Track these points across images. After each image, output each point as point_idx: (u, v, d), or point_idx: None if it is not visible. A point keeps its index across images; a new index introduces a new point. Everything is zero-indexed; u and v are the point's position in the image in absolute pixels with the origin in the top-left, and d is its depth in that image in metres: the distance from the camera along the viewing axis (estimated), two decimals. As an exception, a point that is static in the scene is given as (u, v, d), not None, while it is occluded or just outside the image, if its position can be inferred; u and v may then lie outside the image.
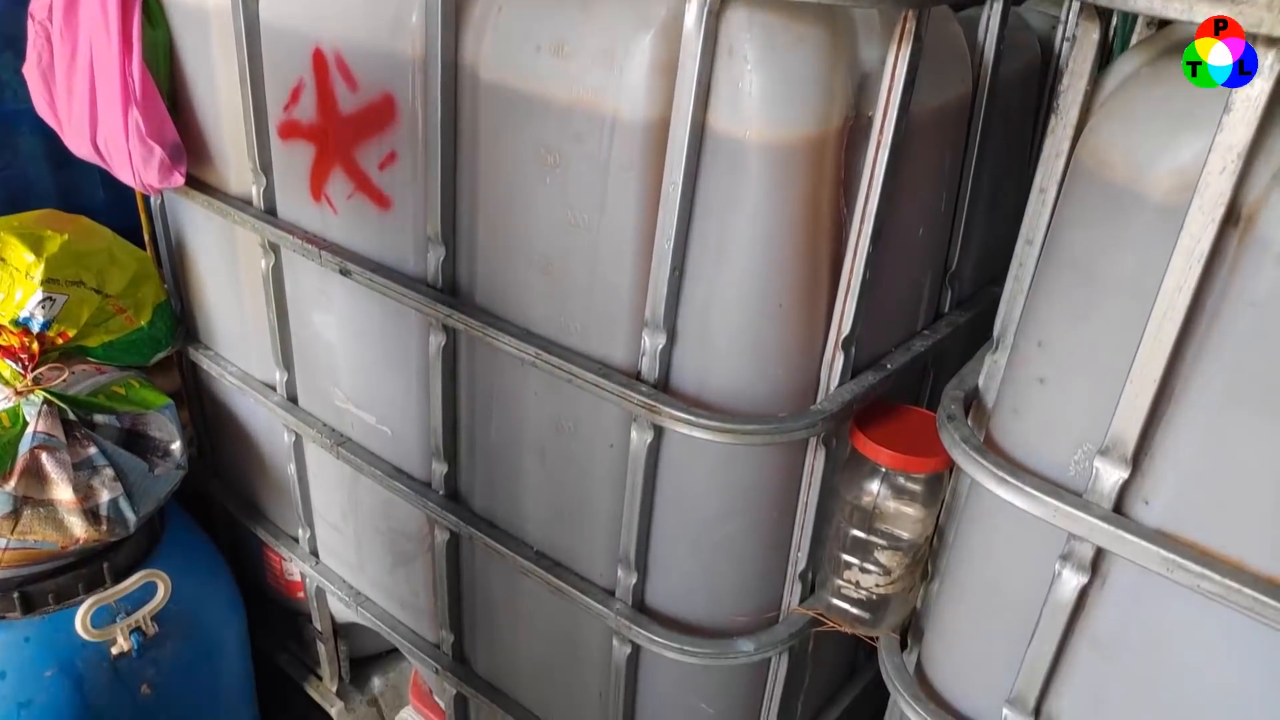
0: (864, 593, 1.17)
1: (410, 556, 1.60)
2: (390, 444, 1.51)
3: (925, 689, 1.14)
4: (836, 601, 1.20)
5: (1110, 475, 0.86)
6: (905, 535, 1.12)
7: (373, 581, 1.74)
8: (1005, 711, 1.02)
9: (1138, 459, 0.84)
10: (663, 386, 1.10)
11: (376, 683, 2.17)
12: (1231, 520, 0.81)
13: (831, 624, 1.23)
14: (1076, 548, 0.90)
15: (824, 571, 1.22)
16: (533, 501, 1.34)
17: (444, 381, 1.35)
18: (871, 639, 1.21)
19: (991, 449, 0.96)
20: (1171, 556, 0.82)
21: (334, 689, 2.10)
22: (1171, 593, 0.86)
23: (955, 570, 1.08)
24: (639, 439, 1.14)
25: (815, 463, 1.16)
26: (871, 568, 1.14)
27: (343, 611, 1.91)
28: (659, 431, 1.13)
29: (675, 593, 1.26)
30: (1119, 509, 0.86)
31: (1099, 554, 0.89)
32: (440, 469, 1.43)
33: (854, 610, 1.19)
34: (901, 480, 1.11)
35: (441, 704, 1.77)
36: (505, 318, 1.22)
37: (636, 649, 1.30)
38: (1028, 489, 0.89)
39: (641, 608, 1.27)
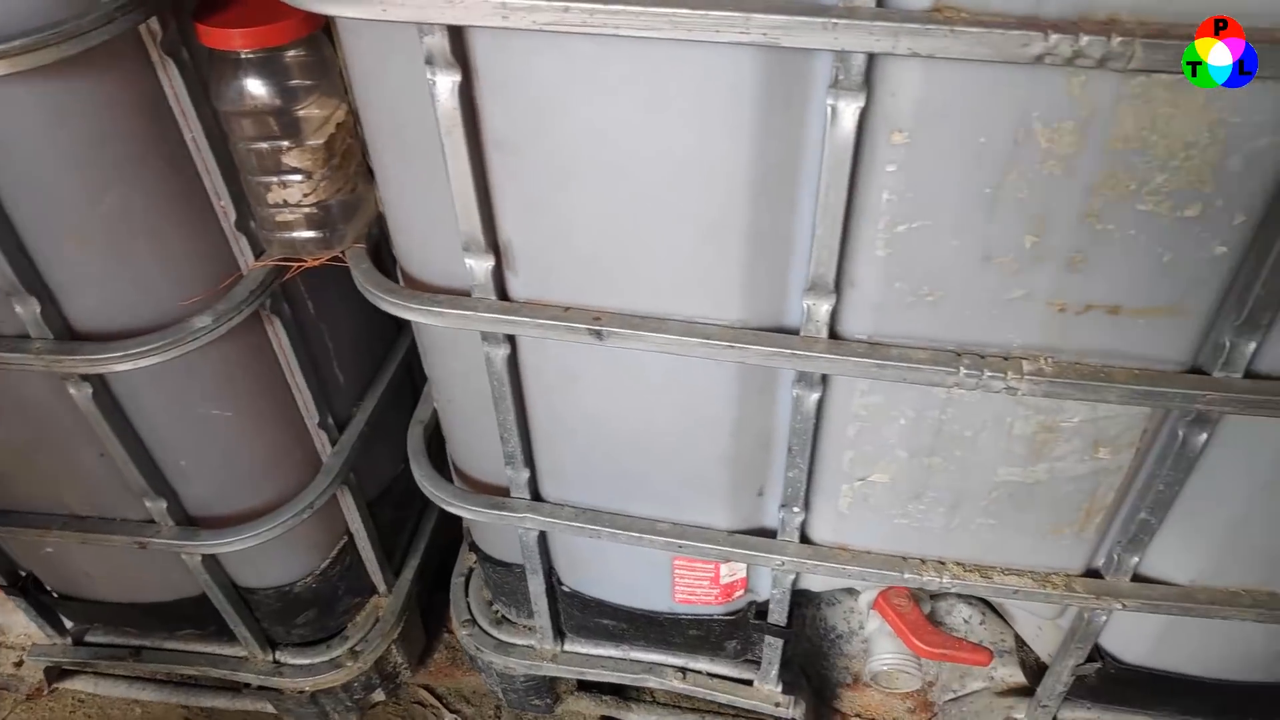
0: (300, 211, 1.03)
1: None
2: None
3: (406, 280, 1.06)
4: (283, 235, 1.06)
5: (419, -63, 0.74)
6: (307, 125, 0.97)
7: None
8: (468, 261, 0.97)
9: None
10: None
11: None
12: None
13: (295, 263, 1.10)
14: (432, 45, 0.80)
15: (257, 213, 1.06)
16: None
17: None
18: (343, 260, 1.10)
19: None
20: None
21: None
22: (535, 50, 0.80)
23: (375, 142, 0.97)
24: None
25: (172, 83, 0.95)
26: (291, 178, 1.00)
27: None
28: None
29: (99, 304, 1.05)
30: (447, -25, 0.76)
31: (457, 42, 0.80)
32: None
33: (304, 235, 1.06)
34: (275, 64, 0.95)
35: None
36: None
37: (100, 382, 1.10)
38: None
39: (71, 336, 1.05)
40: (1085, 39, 0.68)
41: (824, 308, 0.92)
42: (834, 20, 0.70)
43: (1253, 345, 0.87)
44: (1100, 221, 0.80)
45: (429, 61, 0.82)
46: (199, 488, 1.27)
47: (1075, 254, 0.83)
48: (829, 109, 0.77)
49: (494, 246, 0.96)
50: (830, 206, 0.83)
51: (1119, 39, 0.68)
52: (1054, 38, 0.68)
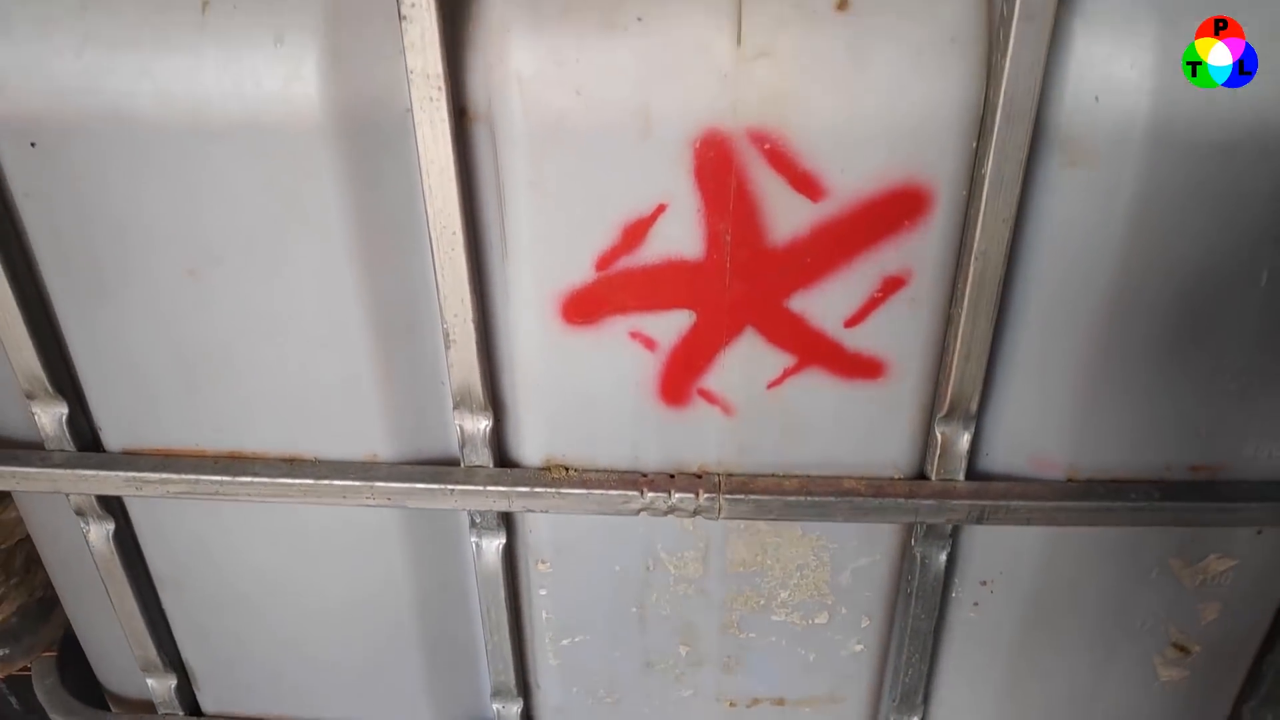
0: (-24, 633, 0.98)
1: None
2: None
3: (104, 690, 1.02)
4: (-41, 656, 1.00)
5: None
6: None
7: None
8: (149, 681, 0.94)
9: None
10: None
11: None
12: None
13: (-24, 679, 1.04)
14: (79, 501, 0.81)
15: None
16: None
17: None
18: (28, 671, 1.04)
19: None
20: None
21: None
22: (184, 506, 0.81)
23: (49, 565, 0.95)
24: None
25: None
26: (-39, 604, 0.96)
27: None
28: None
29: None
30: None
31: (108, 497, 0.81)
32: None
33: (-16, 654, 1.01)
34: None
35: None
36: None
37: None
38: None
39: None
40: (677, 495, 0.75)
41: (513, 709, 0.92)
42: (450, 487, 0.75)
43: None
44: (741, 631, 0.85)
45: (79, 513, 0.82)
46: None
47: (727, 658, 0.87)
48: (474, 545, 0.81)
49: (176, 665, 0.94)
50: (495, 623, 0.85)
51: (705, 495, 0.74)
52: (649, 495, 0.75)
